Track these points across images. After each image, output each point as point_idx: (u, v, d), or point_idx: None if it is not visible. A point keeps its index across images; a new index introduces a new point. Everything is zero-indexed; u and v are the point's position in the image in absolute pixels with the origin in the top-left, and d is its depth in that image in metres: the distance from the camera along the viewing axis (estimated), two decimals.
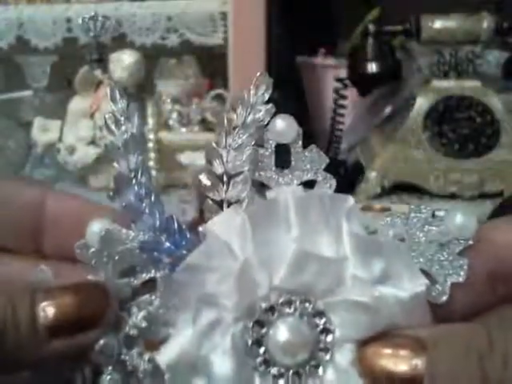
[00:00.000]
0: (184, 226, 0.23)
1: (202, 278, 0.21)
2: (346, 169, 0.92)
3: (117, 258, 0.22)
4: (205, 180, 0.23)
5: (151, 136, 0.96)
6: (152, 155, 0.95)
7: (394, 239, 0.22)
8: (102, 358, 0.22)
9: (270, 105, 0.23)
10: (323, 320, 0.21)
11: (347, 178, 0.90)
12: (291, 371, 0.21)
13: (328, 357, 0.21)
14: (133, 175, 0.23)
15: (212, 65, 1.08)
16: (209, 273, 0.21)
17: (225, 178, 0.23)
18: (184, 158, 0.87)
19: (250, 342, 0.21)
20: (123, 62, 0.96)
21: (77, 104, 1.00)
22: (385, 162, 0.89)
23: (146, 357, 0.21)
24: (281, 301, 0.21)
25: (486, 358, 0.19)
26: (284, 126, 0.23)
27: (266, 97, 0.23)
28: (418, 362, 0.20)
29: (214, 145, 0.23)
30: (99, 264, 0.22)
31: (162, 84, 1.04)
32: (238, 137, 0.23)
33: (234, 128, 0.23)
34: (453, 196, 0.87)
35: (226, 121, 0.23)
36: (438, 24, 0.90)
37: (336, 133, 0.98)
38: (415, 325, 0.21)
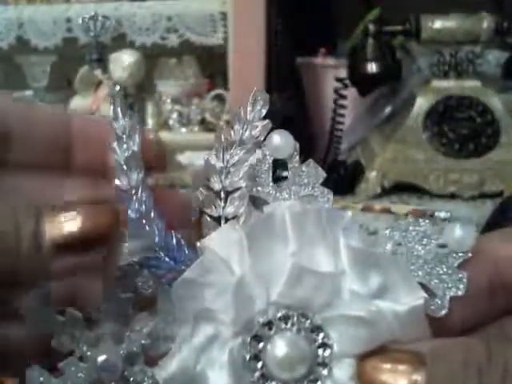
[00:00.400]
0: (183, 242, 0.23)
1: (200, 293, 0.21)
2: (346, 169, 0.91)
3: (118, 273, 0.22)
4: (202, 196, 0.23)
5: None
6: None
7: (392, 252, 0.22)
8: (104, 375, 0.22)
9: (267, 121, 0.24)
10: (321, 335, 0.21)
11: (347, 178, 0.90)
12: None
13: (326, 372, 0.21)
14: (133, 192, 0.23)
15: (212, 65, 1.08)
16: (206, 288, 0.21)
17: (222, 194, 0.23)
18: (184, 158, 0.87)
19: (247, 357, 0.21)
20: (123, 62, 0.97)
21: (77, 104, 1.00)
22: (385, 162, 0.89)
23: (149, 372, 0.22)
24: (278, 316, 0.21)
25: (485, 372, 0.19)
26: (281, 142, 0.23)
27: (263, 112, 0.24)
28: (418, 377, 0.20)
29: (211, 161, 0.23)
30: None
31: (162, 84, 1.04)
32: (236, 153, 0.23)
33: (232, 144, 0.23)
34: (453, 196, 0.87)
35: (223, 137, 0.23)
36: (438, 24, 0.90)
37: (336, 133, 0.97)
38: (414, 339, 0.21)
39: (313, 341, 0.21)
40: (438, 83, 0.92)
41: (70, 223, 0.20)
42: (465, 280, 0.21)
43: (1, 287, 0.20)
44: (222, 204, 0.23)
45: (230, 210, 0.23)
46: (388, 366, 0.20)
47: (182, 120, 0.99)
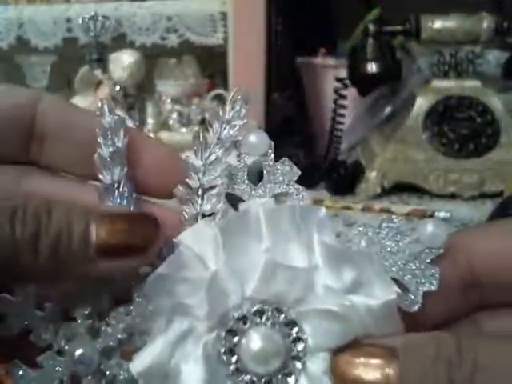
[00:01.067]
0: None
1: (174, 288, 0.21)
2: (346, 169, 0.92)
3: None
4: (180, 193, 0.24)
5: (151, 136, 0.96)
6: None
7: (366, 249, 0.22)
8: (80, 368, 0.22)
9: (245, 120, 0.24)
10: (295, 329, 0.22)
11: (347, 177, 0.90)
12: (263, 380, 0.21)
13: (300, 365, 0.21)
14: (116, 186, 0.24)
15: (212, 65, 1.08)
16: (181, 283, 0.21)
17: (200, 192, 0.23)
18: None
19: (222, 351, 0.21)
20: (123, 62, 0.97)
21: (77, 104, 1.00)
22: (385, 162, 0.89)
23: (125, 366, 0.22)
24: (253, 310, 0.22)
25: (455, 366, 0.20)
26: (256, 140, 0.24)
27: (243, 112, 0.24)
28: (390, 371, 0.20)
29: (189, 159, 0.24)
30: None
31: (162, 84, 1.04)
32: (214, 151, 0.24)
33: (210, 143, 0.24)
34: (453, 196, 0.87)
35: (201, 136, 0.24)
36: (438, 24, 0.90)
37: (336, 133, 0.98)
38: (387, 333, 0.21)
39: (287, 335, 0.22)
40: (438, 83, 0.92)
41: (117, 229, 0.21)
42: (437, 275, 0.22)
43: (47, 280, 0.22)
44: (200, 201, 0.23)
45: (207, 207, 0.23)
46: (361, 360, 0.20)
47: (182, 120, 0.99)
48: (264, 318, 0.22)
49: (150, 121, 0.98)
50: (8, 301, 0.23)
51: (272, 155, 0.24)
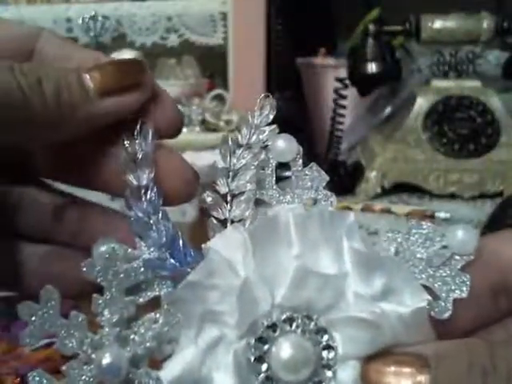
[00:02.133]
0: (188, 244, 0.23)
1: (204, 296, 0.21)
2: (346, 169, 0.91)
3: (122, 275, 0.22)
4: (209, 199, 0.23)
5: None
6: None
7: (395, 255, 0.22)
8: (108, 377, 0.22)
9: (274, 126, 0.24)
10: (325, 337, 0.21)
11: (347, 178, 0.90)
12: None
13: (331, 374, 0.21)
14: (142, 192, 0.23)
15: (212, 65, 1.08)
16: (211, 290, 0.21)
17: (228, 197, 0.23)
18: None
19: (252, 359, 0.21)
20: None
21: None
22: (385, 162, 0.89)
23: (154, 375, 0.22)
24: (283, 318, 0.21)
25: (489, 375, 0.19)
26: (284, 146, 0.23)
27: (271, 118, 0.24)
28: (422, 380, 0.20)
29: (218, 165, 0.24)
30: (105, 282, 0.22)
31: (162, 84, 1.03)
32: (242, 156, 0.24)
33: (239, 148, 0.24)
34: (453, 196, 0.87)
35: (230, 140, 0.24)
36: (438, 24, 0.90)
37: (336, 133, 0.97)
38: (418, 341, 0.21)
39: (317, 343, 0.21)
40: (438, 83, 0.92)
41: (109, 70, 0.23)
42: (468, 282, 0.22)
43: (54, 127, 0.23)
44: (228, 207, 0.23)
45: (236, 213, 0.23)
46: (392, 368, 0.20)
47: None
48: (294, 326, 0.21)
49: None
50: (32, 308, 0.22)
51: (300, 160, 0.23)
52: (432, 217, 0.79)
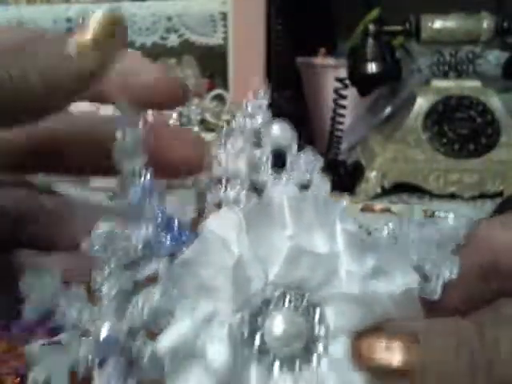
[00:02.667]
0: (184, 225, 0.24)
1: (199, 272, 0.22)
2: (346, 169, 0.92)
3: (120, 252, 0.23)
4: (204, 182, 0.24)
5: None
6: None
7: (388, 238, 0.23)
8: (105, 349, 0.22)
9: (268, 111, 0.25)
10: (317, 312, 0.22)
11: (347, 177, 0.90)
12: (286, 361, 0.22)
13: (322, 348, 0.22)
14: (138, 175, 0.24)
15: (212, 65, 1.08)
16: (205, 267, 0.22)
17: (223, 181, 0.24)
18: None
19: (246, 333, 0.22)
20: None
21: (77, 104, 1.00)
22: (385, 162, 0.89)
23: (150, 346, 0.22)
24: (276, 295, 0.22)
25: (477, 352, 0.20)
26: (279, 130, 0.24)
27: (265, 103, 0.25)
28: (411, 355, 0.20)
29: (213, 149, 0.24)
30: (104, 259, 0.23)
31: None
32: (237, 142, 0.24)
33: (233, 133, 0.24)
34: (453, 196, 0.87)
35: (225, 125, 0.24)
36: (438, 24, 0.90)
37: (336, 133, 0.98)
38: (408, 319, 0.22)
39: (309, 318, 0.22)
40: (438, 83, 0.92)
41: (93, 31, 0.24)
42: (458, 264, 0.22)
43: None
44: (223, 189, 0.24)
45: (230, 195, 0.24)
46: (382, 343, 0.21)
47: (182, 120, 0.99)
48: (287, 302, 0.22)
49: None
50: (32, 280, 0.23)
51: (295, 145, 0.24)
52: (432, 217, 0.78)
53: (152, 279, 0.23)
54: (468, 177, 0.86)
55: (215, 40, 1.02)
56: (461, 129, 0.88)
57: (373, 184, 0.88)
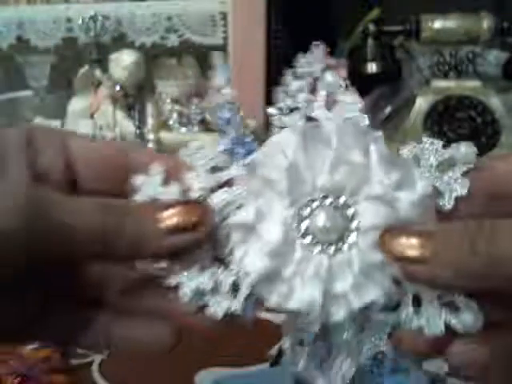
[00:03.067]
0: (254, 139, 0.35)
1: (262, 172, 0.28)
2: None
3: (207, 158, 0.30)
4: (272, 111, 0.30)
5: (151, 136, 0.96)
6: None
7: (412, 158, 0.28)
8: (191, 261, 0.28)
9: (323, 60, 0.33)
10: (351, 211, 0.28)
11: None
12: (326, 245, 0.28)
13: (354, 239, 0.27)
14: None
15: (212, 65, 1.08)
16: (267, 167, 0.28)
17: (286, 111, 0.30)
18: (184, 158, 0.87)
19: (296, 223, 0.28)
20: (123, 62, 0.97)
21: (77, 104, 1.00)
22: None
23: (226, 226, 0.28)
24: (321, 195, 0.28)
25: (475, 232, 0.25)
26: (332, 79, 0.32)
27: (321, 57, 0.33)
28: (427, 248, 0.25)
29: (280, 88, 0.31)
30: (194, 163, 0.30)
31: (162, 84, 1.04)
32: (297, 84, 0.31)
33: (295, 78, 0.31)
34: None
35: (289, 73, 0.31)
36: (438, 24, 0.90)
37: None
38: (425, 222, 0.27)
39: (345, 215, 0.28)
40: (437, 83, 0.92)
41: (179, 211, 0.28)
42: (467, 184, 0.27)
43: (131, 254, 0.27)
44: (286, 118, 0.30)
45: (290, 121, 0.30)
46: (403, 239, 0.26)
47: (181, 120, 0.99)
48: (328, 201, 0.28)
49: (150, 121, 0.97)
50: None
51: (343, 88, 0.31)
52: None
53: (229, 182, 0.29)
54: None
55: (215, 40, 1.02)
56: (461, 129, 0.88)
57: None
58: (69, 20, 1.04)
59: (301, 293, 0.27)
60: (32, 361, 0.52)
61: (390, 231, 0.26)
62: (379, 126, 1.01)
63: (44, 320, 0.29)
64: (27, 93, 1.11)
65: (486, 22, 0.89)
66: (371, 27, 0.92)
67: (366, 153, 0.27)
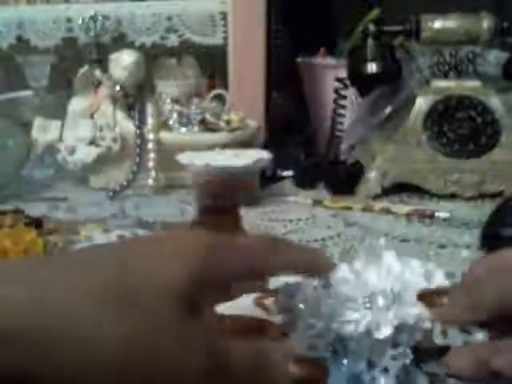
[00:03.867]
0: None
1: None
2: (346, 169, 0.91)
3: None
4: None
5: (151, 136, 0.96)
6: (152, 155, 0.95)
7: None
8: None
9: None
10: None
11: (347, 177, 0.90)
12: None
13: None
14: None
15: (212, 65, 1.08)
16: None
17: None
18: (184, 158, 0.87)
19: None
20: (123, 62, 0.96)
21: (77, 104, 1.00)
22: (385, 162, 0.89)
23: None
24: None
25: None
26: None
27: None
28: None
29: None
30: None
31: (162, 84, 1.04)
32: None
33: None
34: (453, 196, 0.87)
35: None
36: (438, 24, 0.90)
37: (336, 133, 0.98)
38: None
39: None
40: (437, 83, 0.92)
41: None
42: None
43: None
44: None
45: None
46: None
47: (182, 120, 0.99)
48: None
49: (150, 121, 0.97)
50: None
51: None
52: (432, 217, 0.79)
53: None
54: (468, 177, 0.86)
55: (215, 40, 1.02)
56: (461, 129, 0.88)
57: (373, 184, 0.88)
58: (69, 20, 1.05)
59: None
60: None
61: None
62: (379, 126, 1.01)
63: None
64: (27, 93, 1.11)
65: (486, 22, 0.89)
66: (371, 27, 0.92)
67: None
